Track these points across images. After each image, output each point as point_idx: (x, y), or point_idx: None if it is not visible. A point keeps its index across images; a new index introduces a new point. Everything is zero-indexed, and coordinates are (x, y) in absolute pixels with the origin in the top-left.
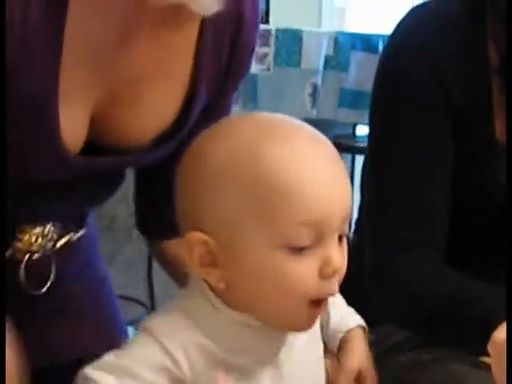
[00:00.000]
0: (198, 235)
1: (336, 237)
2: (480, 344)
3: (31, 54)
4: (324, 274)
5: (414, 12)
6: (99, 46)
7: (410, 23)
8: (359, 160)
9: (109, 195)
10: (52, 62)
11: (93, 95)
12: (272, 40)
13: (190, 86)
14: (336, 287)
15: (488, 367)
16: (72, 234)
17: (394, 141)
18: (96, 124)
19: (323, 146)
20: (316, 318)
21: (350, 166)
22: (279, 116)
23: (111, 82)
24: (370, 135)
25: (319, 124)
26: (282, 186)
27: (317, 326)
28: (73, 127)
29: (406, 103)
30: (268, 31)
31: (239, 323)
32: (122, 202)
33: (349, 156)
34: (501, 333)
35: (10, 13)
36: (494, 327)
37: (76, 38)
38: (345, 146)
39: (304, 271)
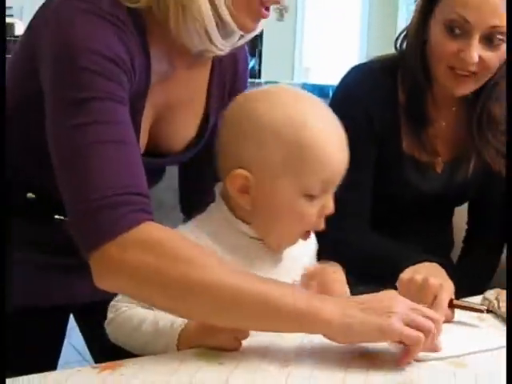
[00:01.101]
0: (242, 172)
1: (334, 189)
2: (391, 282)
3: (141, 88)
4: (322, 215)
5: (352, 71)
6: (160, 79)
7: (349, 79)
8: None
9: (155, 183)
10: (145, 91)
11: (151, 114)
12: None
13: (205, 109)
14: (323, 224)
15: None
16: None
17: None
18: (148, 137)
19: (336, 120)
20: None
21: None
22: (309, 93)
23: (159, 108)
24: None
25: None
26: (316, 151)
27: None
28: (142, 135)
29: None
30: (260, 83)
31: (246, 235)
32: (167, 191)
33: None
34: (405, 274)
35: (137, 65)
36: (401, 271)
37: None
38: None
39: (312, 212)
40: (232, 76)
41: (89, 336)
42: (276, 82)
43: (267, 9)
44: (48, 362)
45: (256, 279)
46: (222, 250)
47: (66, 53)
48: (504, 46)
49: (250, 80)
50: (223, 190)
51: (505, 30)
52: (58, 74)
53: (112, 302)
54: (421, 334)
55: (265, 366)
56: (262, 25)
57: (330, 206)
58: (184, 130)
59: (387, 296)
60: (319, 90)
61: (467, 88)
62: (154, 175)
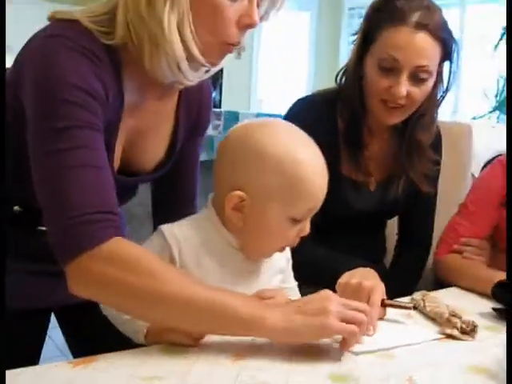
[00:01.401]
0: (239, 193)
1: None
2: (332, 285)
3: (114, 117)
4: (298, 235)
5: (297, 103)
6: (132, 109)
7: (295, 110)
8: None
9: (129, 198)
10: (118, 119)
11: (123, 138)
12: (222, 117)
13: (173, 134)
14: (297, 242)
15: None
16: None
17: None
18: (122, 158)
19: (321, 155)
20: None
21: None
22: (299, 130)
23: (130, 133)
24: None
25: None
26: (309, 186)
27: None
28: (115, 157)
29: None
30: (220, 112)
31: (228, 243)
32: (138, 206)
33: None
34: (342, 279)
35: (106, 96)
36: (339, 276)
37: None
38: None
39: (293, 234)
40: (197, 103)
41: (68, 334)
42: (235, 112)
43: (231, 45)
44: (30, 358)
45: (212, 291)
46: (205, 253)
47: (48, 85)
48: (429, 82)
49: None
50: (215, 202)
51: (429, 69)
52: (40, 105)
53: None
54: (354, 327)
55: (222, 360)
56: (223, 62)
57: (306, 229)
58: (153, 152)
59: (322, 297)
60: None
61: (397, 118)
62: (128, 192)
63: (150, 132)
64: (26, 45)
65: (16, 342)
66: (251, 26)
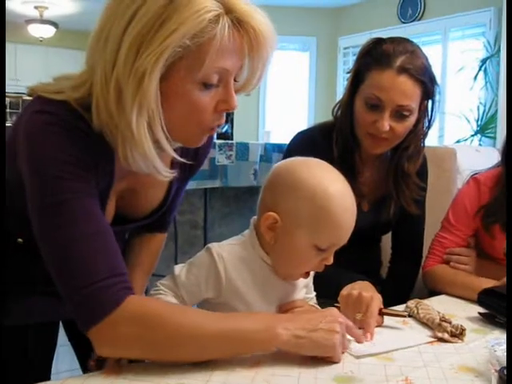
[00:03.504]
0: (274, 214)
1: (337, 248)
2: (335, 297)
3: (106, 182)
4: (322, 263)
5: (298, 135)
6: (122, 174)
7: (295, 142)
8: None
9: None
10: (110, 184)
11: (117, 196)
12: (234, 147)
13: (167, 187)
14: (322, 268)
15: (338, 308)
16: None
17: None
18: (116, 210)
19: (353, 197)
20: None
21: None
22: (337, 171)
23: (123, 192)
24: None
25: (258, 189)
26: (335, 222)
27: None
28: (108, 212)
29: None
30: (232, 143)
31: (263, 261)
32: None
33: None
34: (344, 291)
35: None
36: (341, 289)
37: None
38: None
39: (316, 261)
40: (193, 156)
41: (76, 344)
42: (245, 143)
43: (213, 129)
44: (43, 369)
45: (227, 320)
46: (245, 269)
47: (37, 166)
48: (410, 119)
49: (223, 141)
50: (256, 225)
51: (410, 107)
52: (35, 185)
53: (158, 282)
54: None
55: (238, 368)
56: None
57: (330, 259)
58: (148, 203)
59: (328, 316)
60: (278, 148)
61: (381, 149)
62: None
63: (143, 189)
64: (17, 117)
65: (27, 354)
66: (230, 110)
